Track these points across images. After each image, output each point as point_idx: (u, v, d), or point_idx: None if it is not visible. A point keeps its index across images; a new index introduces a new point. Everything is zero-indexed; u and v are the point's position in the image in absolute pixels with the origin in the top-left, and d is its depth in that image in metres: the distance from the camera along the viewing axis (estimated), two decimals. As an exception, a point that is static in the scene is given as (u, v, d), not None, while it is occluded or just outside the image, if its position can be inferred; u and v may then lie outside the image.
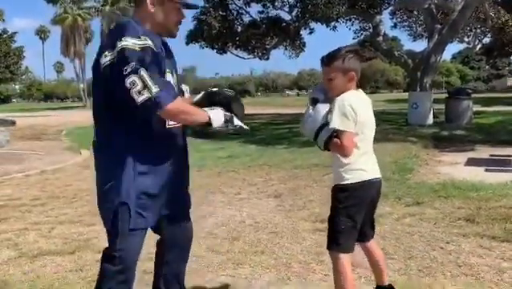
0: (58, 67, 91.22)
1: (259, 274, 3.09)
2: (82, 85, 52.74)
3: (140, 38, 1.90)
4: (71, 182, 6.60)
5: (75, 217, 4.66)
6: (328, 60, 2.25)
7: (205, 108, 2.05)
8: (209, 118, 2.01)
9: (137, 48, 1.87)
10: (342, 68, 2.22)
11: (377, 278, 2.49)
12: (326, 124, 2.18)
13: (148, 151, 2.04)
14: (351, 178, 2.24)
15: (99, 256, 3.36)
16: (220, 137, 2.23)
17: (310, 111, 2.25)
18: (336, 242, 2.27)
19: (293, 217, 4.37)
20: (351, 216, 2.25)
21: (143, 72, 1.85)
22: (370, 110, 2.33)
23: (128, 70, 1.84)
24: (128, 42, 1.87)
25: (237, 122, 2.10)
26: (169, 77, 2.08)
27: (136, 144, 2.01)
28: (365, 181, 2.25)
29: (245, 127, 2.14)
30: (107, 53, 1.90)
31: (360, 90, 2.31)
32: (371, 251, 2.44)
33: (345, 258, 2.25)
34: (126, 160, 2.00)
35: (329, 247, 2.31)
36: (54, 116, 28.38)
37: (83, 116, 27.09)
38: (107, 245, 2.16)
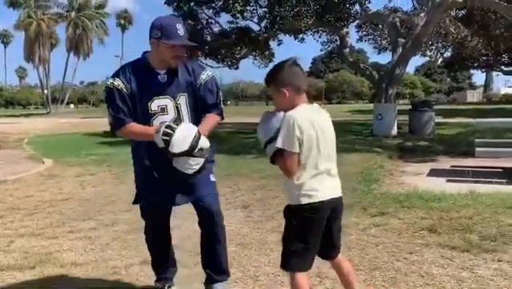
0: (21, 73, 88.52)
1: (226, 287, 3.07)
2: (46, 91, 51.30)
3: (114, 78, 2.62)
4: (32, 193, 6.39)
5: (36, 229, 4.51)
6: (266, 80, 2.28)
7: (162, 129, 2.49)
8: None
9: (109, 85, 2.63)
10: (277, 86, 2.21)
11: None
12: (275, 137, 2.14)
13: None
14: (302, 199, 2.17)
15: (62, 270, 3.30)
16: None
17: (266, 117, 2.23)
18: (288, 262, 2.26)
19: (261, 229, 4.37)
20: (301, 238, 2.21)
21: (106, 106, 2.69)
22: (326, 126, 2.24)
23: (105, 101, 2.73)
24: (108, 81, 2.67)
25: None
26: (165, 101, 2.64)
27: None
28: (316, 202, 2.17)
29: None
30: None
31: (315, 104, 2.26)
32: (337, 266, 2.45)
33: (300, 277, 2.23)
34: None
35: (282, 266, 2.30)
36: (16, 123, 27.42)
37: (46, 124, 26.33)
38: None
